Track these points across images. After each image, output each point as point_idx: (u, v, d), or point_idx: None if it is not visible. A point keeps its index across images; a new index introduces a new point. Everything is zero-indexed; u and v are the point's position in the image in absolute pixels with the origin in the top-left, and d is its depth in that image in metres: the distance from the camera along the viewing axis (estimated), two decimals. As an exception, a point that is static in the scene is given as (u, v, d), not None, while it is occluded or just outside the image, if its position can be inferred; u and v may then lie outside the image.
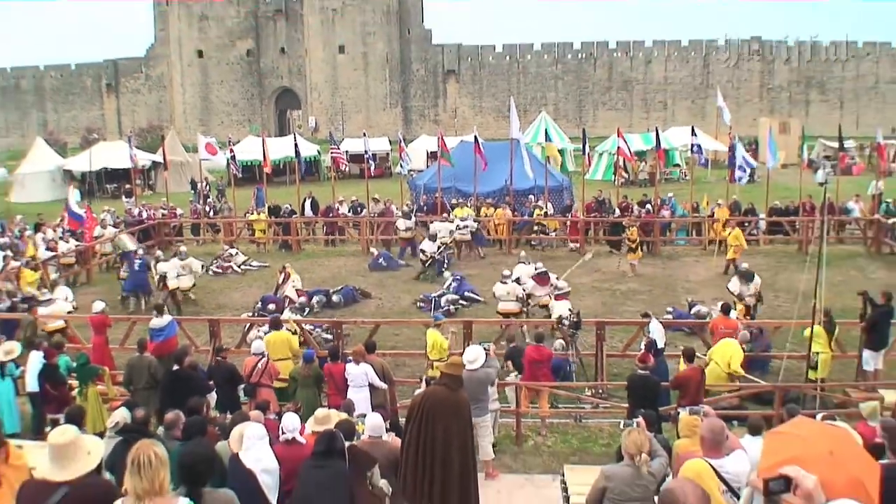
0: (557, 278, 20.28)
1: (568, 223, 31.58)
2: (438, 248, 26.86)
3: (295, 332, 16.30)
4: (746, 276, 19.88)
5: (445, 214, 30.90)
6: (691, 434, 8.31)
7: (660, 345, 15.20)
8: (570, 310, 17.13)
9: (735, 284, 19.74)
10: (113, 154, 48.11)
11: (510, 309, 19.61)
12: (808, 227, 29.37)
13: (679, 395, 12.83)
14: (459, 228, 28.68)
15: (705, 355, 15.23)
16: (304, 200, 35.87)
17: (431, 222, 29.46)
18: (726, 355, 14.65)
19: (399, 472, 9.51)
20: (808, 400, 13.96)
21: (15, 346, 14.63)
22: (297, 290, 22.27)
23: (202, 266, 25.58)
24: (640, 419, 9.18)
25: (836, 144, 40.12)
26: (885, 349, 16.02)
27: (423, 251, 26.44)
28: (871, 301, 16.56)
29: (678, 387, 12.94)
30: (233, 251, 29.59)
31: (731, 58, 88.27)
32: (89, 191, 47.95)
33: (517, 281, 20.09)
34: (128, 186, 44.51)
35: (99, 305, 18.48)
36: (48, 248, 27.59)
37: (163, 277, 23.37)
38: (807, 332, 14.81)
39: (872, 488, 4.83)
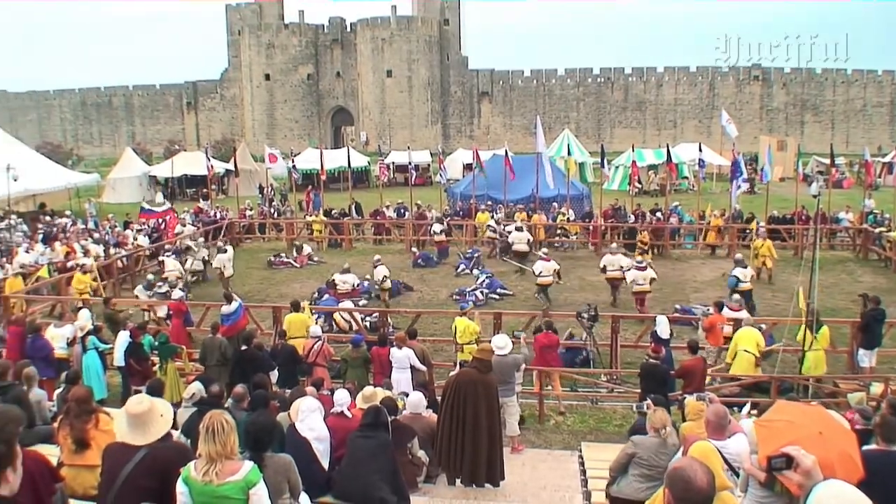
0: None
1: (590, 228, 31.40)
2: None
3: (311, 316, 16.46)
4: (741, 264, 20.67)
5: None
6: (697, 418, 8.24)
7: (663, 336, 15.07)
8: (588, 304, 17.13)
9: (739, 272, 20.22)
10: (192, 162, 48.46)
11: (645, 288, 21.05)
12: (803, 234, 29.19)
13: (684, 383, 12.69)
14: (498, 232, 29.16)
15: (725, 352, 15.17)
16: (350, 205, 36.09)
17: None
18: (753, 341, 14.50)
19: (435, 445, 9.51)
20: (800, 390, 13.77)
21: (87, 323, 14.84)
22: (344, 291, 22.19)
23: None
24: (650, 402, 9.10)
25: (828, 161, 39.66)
26: (877, 348, 15.71)
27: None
28: (867, 303, 16.26)
29: (683, 375, 12.78)
30: (306, 248, 30.03)
31: (734, 82, 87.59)
32: (171, 194, 48.39)
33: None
34: (204, 191, 44.89)
35: (178, 294, 18.67)
36: (118, 244, 27.92)
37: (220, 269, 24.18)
38: (800, 335, 14.64)
39: (857, 458, 4.87)
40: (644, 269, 20.87)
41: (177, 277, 22.60)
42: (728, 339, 15.60)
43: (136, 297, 20.79)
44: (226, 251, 24.69)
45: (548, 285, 21.98)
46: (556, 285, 22.41)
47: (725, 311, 16.56)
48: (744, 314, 16.19)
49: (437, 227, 29.66)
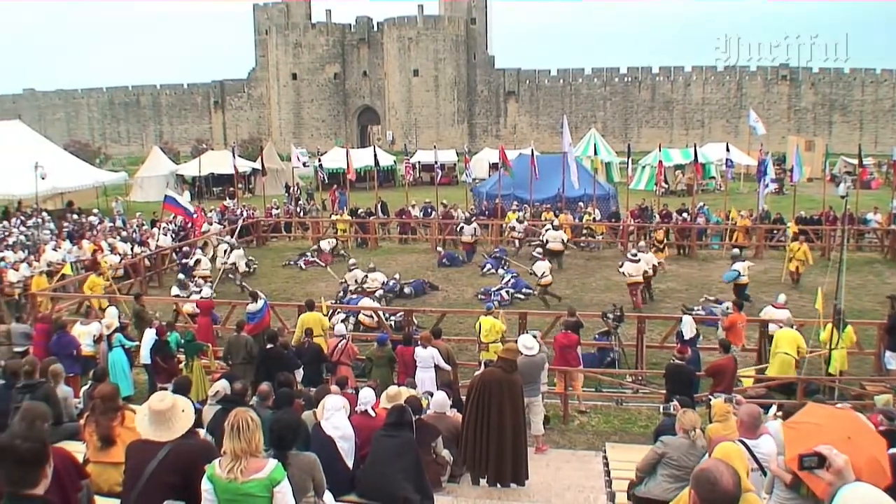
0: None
1: (619, 229, 31.26)
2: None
3: (326, 314, 16.33)
4: (739, 258, 22.32)
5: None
6: (723, 419, 8.19)
7: (686, 336, 15.00)
8: (614, 304, 17.12)
9: (739, 265, 21.47)
10: (219, 161, 48.80)
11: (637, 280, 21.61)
12: (830, 235, 28.83)
13: (714, 382, 12.61)
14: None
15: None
16: (377, 204, 36.21)
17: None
18: (794, 343, 14.33)
19: (460, 444, 9.51)
20: (826, 392, 13.64)
21: (114, 321, 14.93)
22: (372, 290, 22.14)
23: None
24: (676, 403, 9.05)
25: (856, 161, 39.27)
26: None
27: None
28: (895, 304, 16.07)
29: (713, 374, 12.69)
30: (324, 244, 29.84)
31: (761, 82, 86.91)
32: (198, 193, 48.67)
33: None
34: (231, 189, 45.13)
35: (206, 291, 18.79)
36: (142, 242, 28.11)
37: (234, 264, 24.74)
38: (823, 335, 14.53)
39: (886, 464, 4.79)
40: (637, 261, 21.34)
41: (206, 277, 22.78)
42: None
43: (169, 295, 20.94)
44: (238, 248, 25.33)
45: (549, 284, 22.06)
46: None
47: (768, 309, 16.45)
48: (786, 313, 16.03)
49: (468, 230, 29.11)
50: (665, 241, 28.01)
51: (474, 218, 31.61)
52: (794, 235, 26.74)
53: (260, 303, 16.39)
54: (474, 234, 29.23)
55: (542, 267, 22.11)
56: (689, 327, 15.20)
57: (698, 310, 19.55)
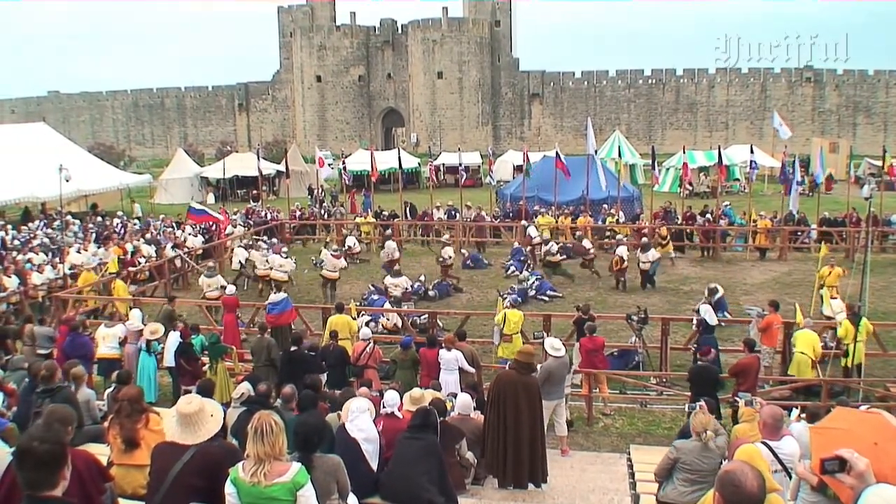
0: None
1: (645, 230, 30.96)
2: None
3: (355, 318, 16.30)
4: (650, 246, 24.62)
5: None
6: (751, 419, 8.25)
7: (711, 323, 14.96)
8: (638, 307, 17.07)
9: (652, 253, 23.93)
10: (243, 164, 48.92)
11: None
12: (854, 236, 28.62)
13: (737, 382, 12.56)
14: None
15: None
16: (404, 207, 36.25)
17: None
18: (810, 343, 14.30)
19: (482, 446, 9.51)
20: (850, 393, 13.54)
21: (160, 327, 14.91)
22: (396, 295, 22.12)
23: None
24: (703, 403, 9.02)
25: (880, 163, 38.92)
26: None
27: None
28: None
29: (737, 374, 12.65)
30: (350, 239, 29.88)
31: (785, 84, 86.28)
32: (223, 195, 48.90)
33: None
34: (255, 192, 45.31)
35: (231, 289, 18.94)
36: (175, 245, 28.19)
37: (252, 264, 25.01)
38: (840, 331, 14.49)
39: None
40: None
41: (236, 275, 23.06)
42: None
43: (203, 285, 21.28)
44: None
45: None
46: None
47: (836, 302, 16.44)
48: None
49: (448, 252, 25.58)
50: (668, 238, 27.91)
51: (497, 220, 31.50)
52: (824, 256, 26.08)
53: (282, 294, 16.54)
54: (450, 258, 25.43)
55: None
56: (710, 315, 15.17)
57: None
